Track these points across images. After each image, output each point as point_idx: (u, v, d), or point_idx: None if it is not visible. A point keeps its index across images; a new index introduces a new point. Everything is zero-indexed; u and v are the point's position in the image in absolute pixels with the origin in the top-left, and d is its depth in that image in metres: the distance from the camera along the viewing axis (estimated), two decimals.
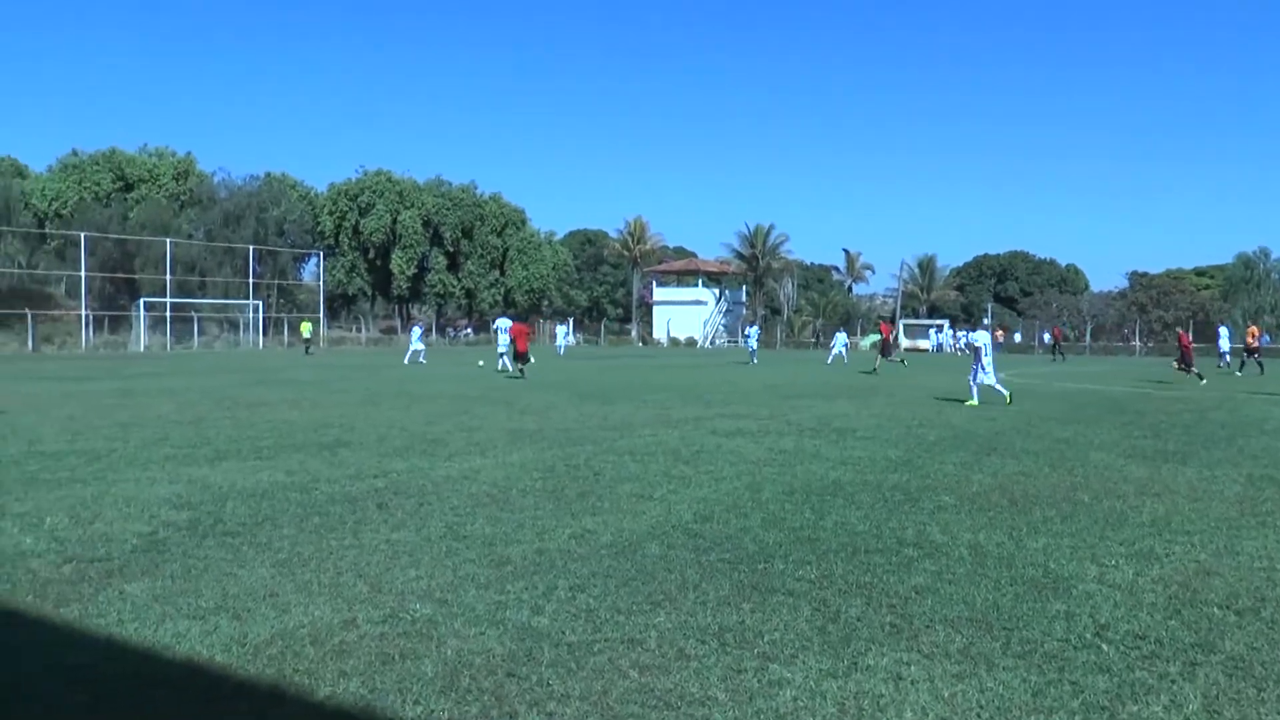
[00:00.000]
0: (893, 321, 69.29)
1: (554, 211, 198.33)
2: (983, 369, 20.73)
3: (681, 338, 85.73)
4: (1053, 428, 15.86)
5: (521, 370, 29.61)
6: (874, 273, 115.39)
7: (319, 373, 32.01)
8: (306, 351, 53.03)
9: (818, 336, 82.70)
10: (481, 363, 38.70)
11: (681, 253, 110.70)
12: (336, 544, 7.06)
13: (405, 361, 39.88)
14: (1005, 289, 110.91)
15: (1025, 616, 5.58)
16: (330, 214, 77.40)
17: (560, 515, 8.16)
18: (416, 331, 43.91)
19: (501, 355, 31.69)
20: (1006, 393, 20.61)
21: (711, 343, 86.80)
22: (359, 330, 75.90)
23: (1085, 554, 7.06)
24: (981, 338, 21.71)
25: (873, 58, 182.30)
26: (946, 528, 7.87)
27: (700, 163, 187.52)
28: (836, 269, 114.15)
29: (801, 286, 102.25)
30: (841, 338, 47.14)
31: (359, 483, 9.71)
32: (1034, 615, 5.60)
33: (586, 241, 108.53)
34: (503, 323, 34.22)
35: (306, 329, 55.64)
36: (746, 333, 47.96)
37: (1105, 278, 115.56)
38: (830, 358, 45.55)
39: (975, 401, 20.29)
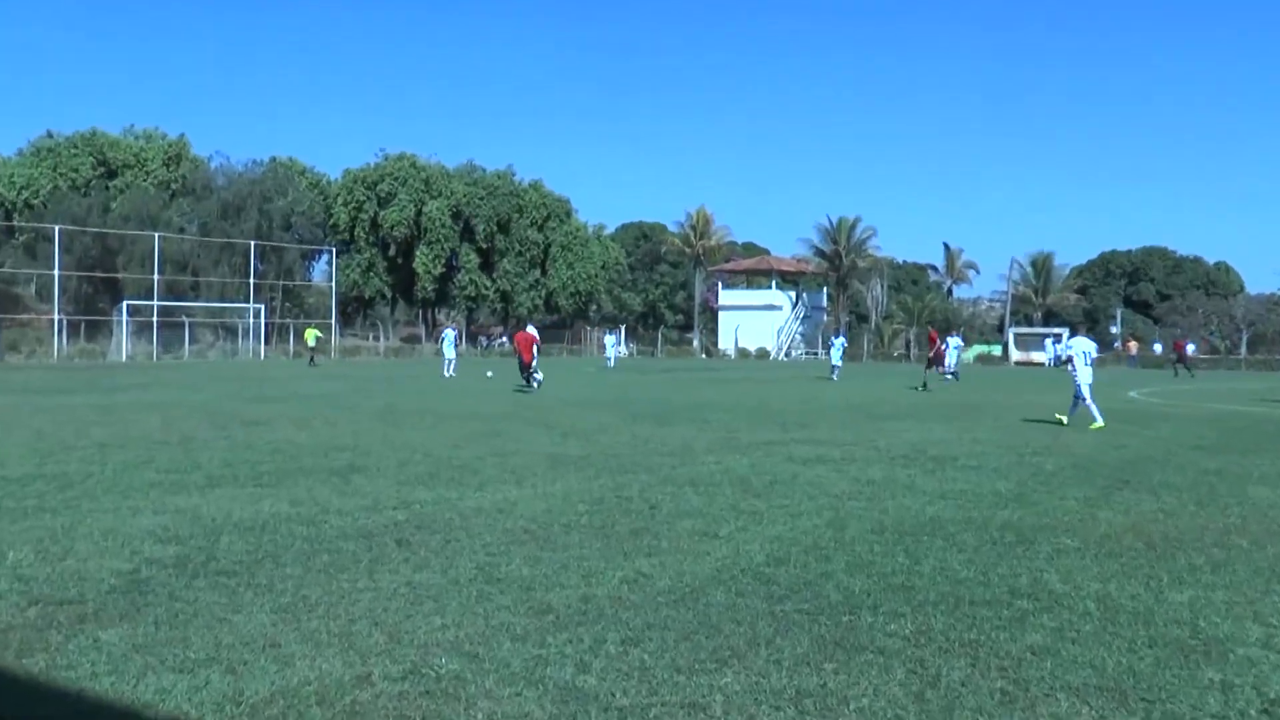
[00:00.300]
0: (932, 326, 68.31)
1: (604, 202, 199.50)
2: (1076, 384, 20.59)
3: (752, 348, 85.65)
4: (1199, 457, 15.58)
5: (536, 380, 30.43)
6: (978, 273, 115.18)
7: (329, 386, 32.36)
8: (311, 362, 53.58)
9: (909, 347, 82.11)
10: (490, 374, 38.90)
11: (752, 249, 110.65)
12: (349, 586, 7.08)
13: (445, 374, 40.40)
14: (1138, 292, 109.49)
15: (1169, 686, 5.43)
16: (345, 204, 78.32)
17: (610, 556, 8.13)
18: (449, 336, 44.10)
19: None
20: (1100, 419, 20.31)
21: (787, 354, 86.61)
22: (376, 338, 76.70)
23: (1244, 611, 6.87)
24: (1079, 345, 21.48)
25: (974, 24, 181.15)
26: (1068, 576, 7.72)
27: (773, 146, 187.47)
28: (934, 268, 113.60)
29: (892, 288, 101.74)
30: (955, 341, 47.12)
31: (375, 515, 9.75)
32: (1181, 685, 5.45)
33: (641, 236, 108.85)
34: (530, 330, 34.63)
35: (312, 336, 56.20)
36: (831, 342, 47.76)
37: (1264, 277, 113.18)
38: (947, 371, 45.40)
39: (1100, 423, 20.03)
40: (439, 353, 43.58)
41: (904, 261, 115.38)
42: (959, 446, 16.63)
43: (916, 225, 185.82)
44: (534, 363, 31.27)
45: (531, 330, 34.01)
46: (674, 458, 14.52)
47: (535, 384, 30.59)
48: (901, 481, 12.48)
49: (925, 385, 36.04)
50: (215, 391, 29.28)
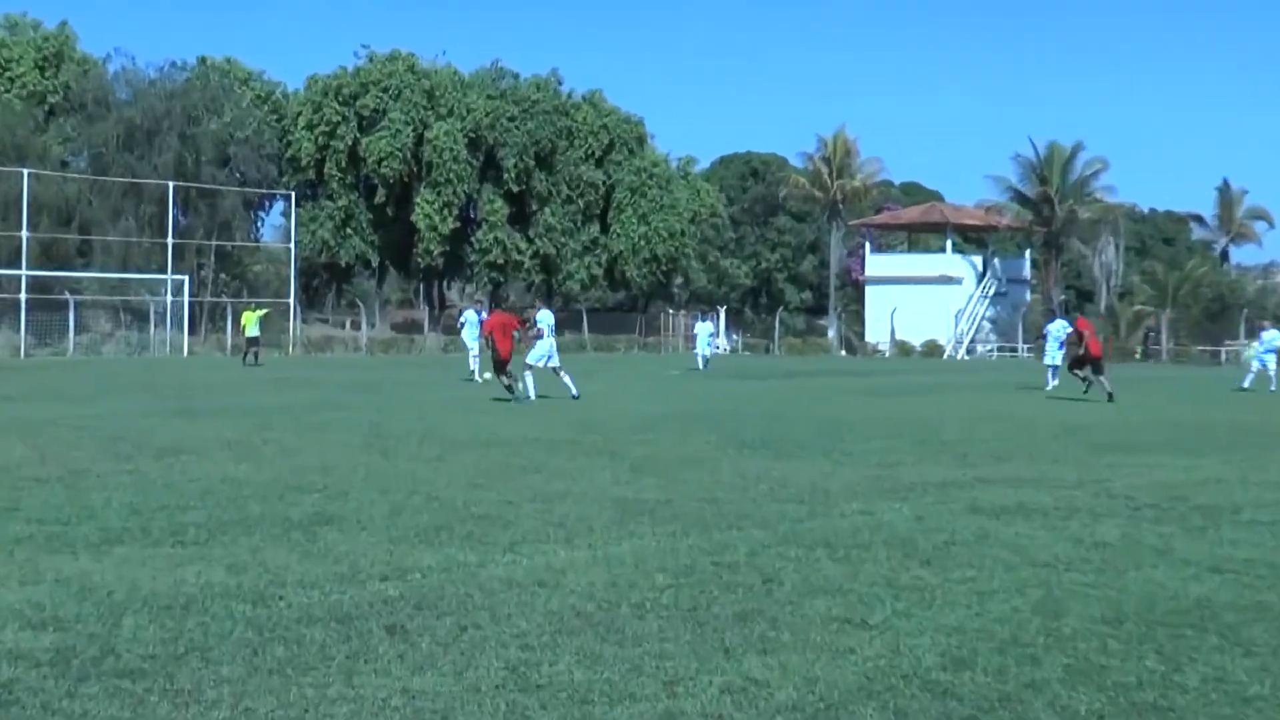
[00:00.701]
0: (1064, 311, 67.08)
1: (694, 125, 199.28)
2: None
3: (916, 341, 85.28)
4: None
5: (509, 387, 31.10)
6: (1272, 227, 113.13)
7: (286, 396, 32.75)
8: (252, 360, 53.64)
9: (1151, 338, 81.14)
10: (487, 375, 39.26)
11: (915, 194, 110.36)
12: (314, 694, 7.10)
13: (470, 376, 41.14)
14: None
15: None
16: (310, 128, 78.89)
17: (705, 652, 8.12)
18: (471, 320, 44.29)
19: (550, 363, 32.49)
20: None
21: (970, 350, 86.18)
22: (357, 325, 77.22)
23: None
24: None
25: None
26: None
27: (944, 41, 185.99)
28: (1200, 220, 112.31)
29: (1133, 250, 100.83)
30: (1273, 337, 46.52)
31: (355, 588, 9.82)
32: None
33: (750, 174, 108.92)
34: (545, 316, 34.71)
35: (252, 321, 56.19)
36: (1044, 332, 47.21)
37: None
38: (1248, 378, 44.81)
39: None
40: (449, 346, 43.79)
41: (1151, 210, 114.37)
42: (1241, 493, 16.45)
43: (1171, 156, 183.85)
44: (537, 358, 31.74)
45: (545, 312, 34.11)
46: (800, 505, 14.54)
47: (521, 392, 31.01)
48: (1150, 544, 12.38)
49: (1089, 386, 37.08)
50: (115, 403, 29.69)
